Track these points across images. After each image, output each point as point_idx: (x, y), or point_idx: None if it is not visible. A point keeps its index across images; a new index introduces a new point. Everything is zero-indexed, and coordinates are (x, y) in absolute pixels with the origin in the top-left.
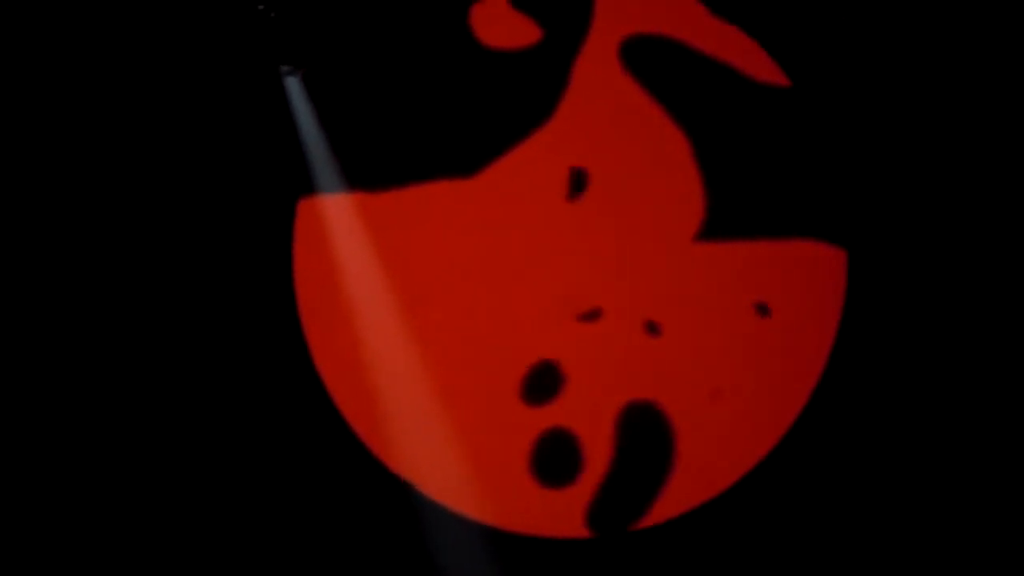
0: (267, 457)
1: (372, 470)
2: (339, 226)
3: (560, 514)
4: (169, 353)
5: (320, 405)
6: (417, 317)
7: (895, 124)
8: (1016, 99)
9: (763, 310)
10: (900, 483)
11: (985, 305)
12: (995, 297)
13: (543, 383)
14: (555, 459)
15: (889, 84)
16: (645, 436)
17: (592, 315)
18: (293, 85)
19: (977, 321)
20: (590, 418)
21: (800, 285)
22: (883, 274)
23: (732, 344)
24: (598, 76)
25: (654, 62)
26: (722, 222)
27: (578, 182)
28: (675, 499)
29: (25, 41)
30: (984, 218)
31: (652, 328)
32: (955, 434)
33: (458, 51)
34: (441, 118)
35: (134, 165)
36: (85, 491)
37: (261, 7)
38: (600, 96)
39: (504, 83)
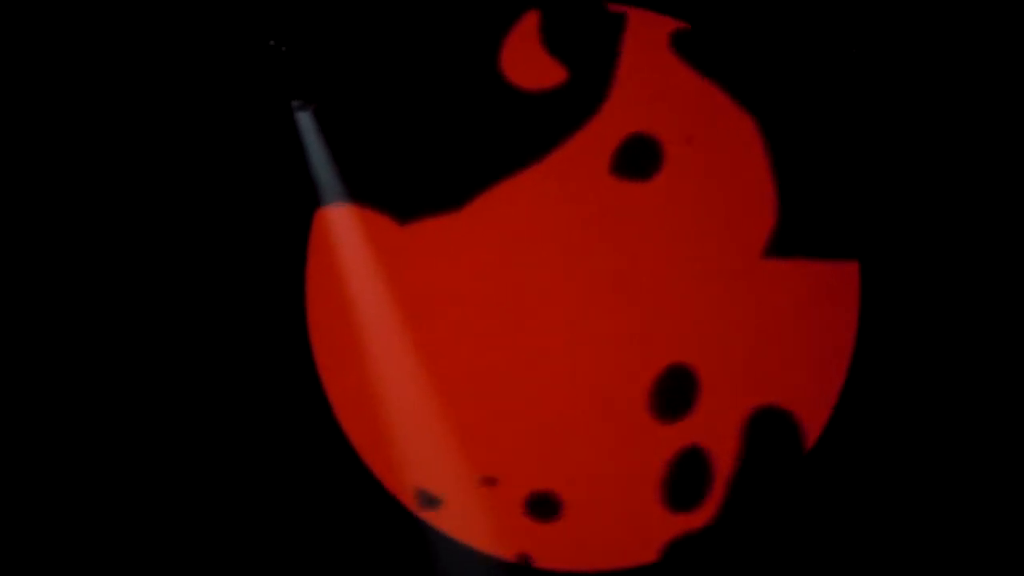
0: (270, 474)
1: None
2: (375, 257)
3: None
4: (179, 356)
5: (332, 436)
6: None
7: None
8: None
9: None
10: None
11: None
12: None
13: (677, 391)
14: (687, 481)
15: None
16: (775, 444)
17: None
18: (305, 120)
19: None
20: (720, 430)
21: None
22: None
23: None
24: (647, 62)
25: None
26: (792, 234)
27: (638, 164)
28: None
29: (58, 83)
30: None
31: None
32: (967, 425)
33: (481, 88)
34: (456, 146)
35: (141, 190)
36: (92, 502)
37: (272, 43)
38: (652, 81)
39: (531, 111)
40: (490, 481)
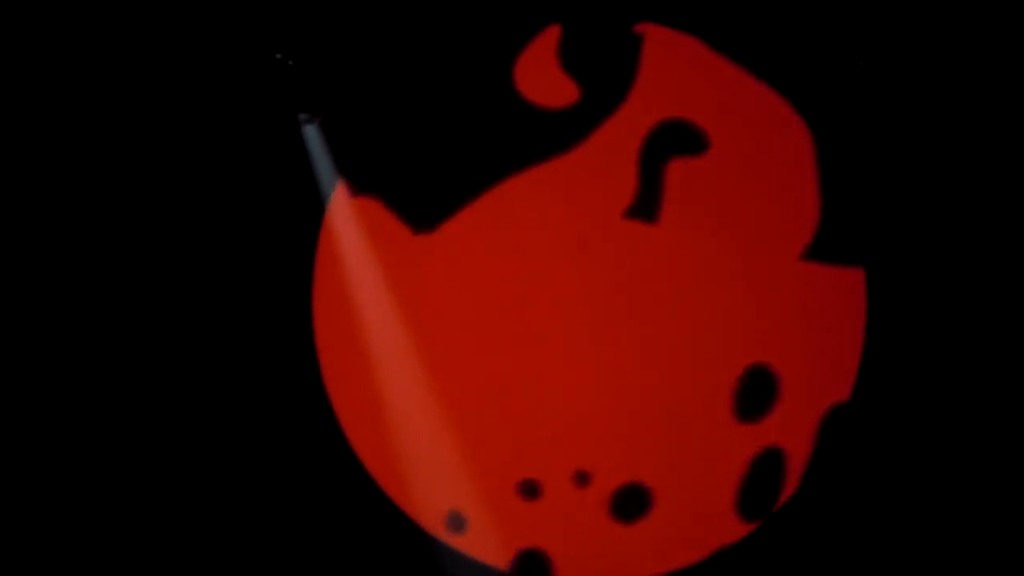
0: (272, 485)
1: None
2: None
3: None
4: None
5: (339, 450)
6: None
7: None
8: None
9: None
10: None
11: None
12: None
13: (759, 390)
14: (764, 481)
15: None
16: (852, 444)
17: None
18: (311, 133)
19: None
20: (798, 431)
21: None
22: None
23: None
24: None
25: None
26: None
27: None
28: None
29: (81, 97)
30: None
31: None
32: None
33: (495, 103)
34: (467, 154)
35: (143, 193)
36: (97, 509)
37: (279, 56)
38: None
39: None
40: (582, 478)
